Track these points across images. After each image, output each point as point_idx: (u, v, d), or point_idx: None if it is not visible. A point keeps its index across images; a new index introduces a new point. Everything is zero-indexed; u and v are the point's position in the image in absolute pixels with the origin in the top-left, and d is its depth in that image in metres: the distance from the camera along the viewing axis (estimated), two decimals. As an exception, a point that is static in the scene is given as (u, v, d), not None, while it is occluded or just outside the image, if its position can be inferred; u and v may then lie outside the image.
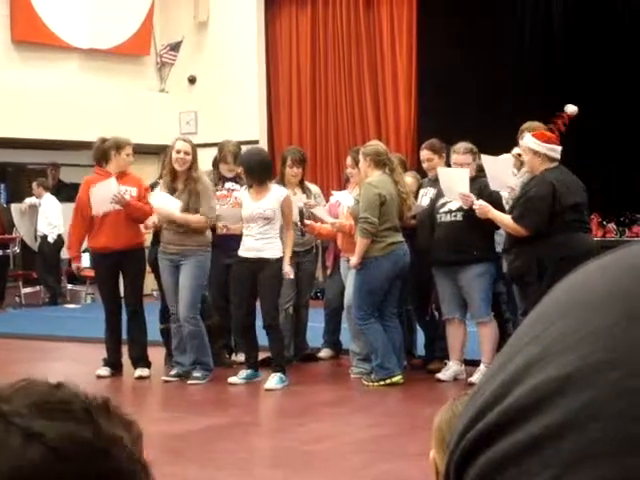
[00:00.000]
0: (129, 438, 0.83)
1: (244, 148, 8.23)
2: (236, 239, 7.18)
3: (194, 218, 7.10)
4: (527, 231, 6.15)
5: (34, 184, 12.86)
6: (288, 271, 6.99)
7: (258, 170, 6.99)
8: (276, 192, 7.03)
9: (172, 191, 7.16)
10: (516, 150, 7.21)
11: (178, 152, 7.13)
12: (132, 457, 0.81)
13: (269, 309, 7.00)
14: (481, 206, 6.51)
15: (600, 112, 12.24)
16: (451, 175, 6.76)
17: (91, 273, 8.51)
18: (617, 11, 12.22)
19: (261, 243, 6.95)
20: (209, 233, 7.32)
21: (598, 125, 12.29)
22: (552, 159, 6.26)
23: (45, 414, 0.78)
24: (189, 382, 7.15)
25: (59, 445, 0.76)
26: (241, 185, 7.58)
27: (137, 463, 0.82)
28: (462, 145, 7.05)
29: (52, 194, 12.81)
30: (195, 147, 7.30)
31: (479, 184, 6.69)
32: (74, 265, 7.78)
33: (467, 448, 0.47)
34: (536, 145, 6.21)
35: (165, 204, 7.11)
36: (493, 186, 6.69)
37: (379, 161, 6.95)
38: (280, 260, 6.96)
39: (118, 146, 7.37)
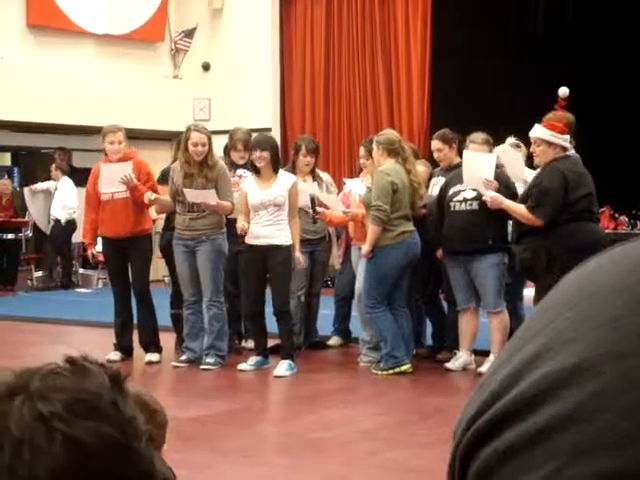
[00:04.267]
0: (144, 421, 0.87)
1: (254, 135, 8.23)
2: None
3: (226, 205, 7.11)
4: (542, 221, 6.12)
5: (52, 167, 12.92)
6: (299, 257, 6.98)
7: (277, 155, 7.02)
8: (285, 178, 7.02)
9: (188, 174, 7.15)
10: (510, 140, 7.20)
11: (195, 145, 7.09)
12: (147, 441, 0.87)
13: (280, 296, 7.00)
14: (493, 197, 6.49)
15: (613, 104, 12.19)
16: (477, 159, 6.71)
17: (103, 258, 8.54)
18: (634, 5, 12.14)
19: (271, 229, 6.95)
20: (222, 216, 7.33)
21: (611, 117, 12.24)
22: (565, 149, 6.24)
23: (81, 414, 0.82)
24: (201, 367, 7.18)
25: (94, 447, 0.81)
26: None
27: (150, 445, 0.87)
28: (480, 135, 7.04)
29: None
30: (210, 135, 7.26)
31: (496, 174, 6.68)
32: (89, 252, 7.82)
33: (474, 438, 0.47)
34: (552, 137, 6.17)
35: (203, 198, 7.08)
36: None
37: (391, 150, 6.94)
38: (290, 247, 6.95)
39: (103, 134, 7.40)
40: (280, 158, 7.10)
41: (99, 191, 7.39)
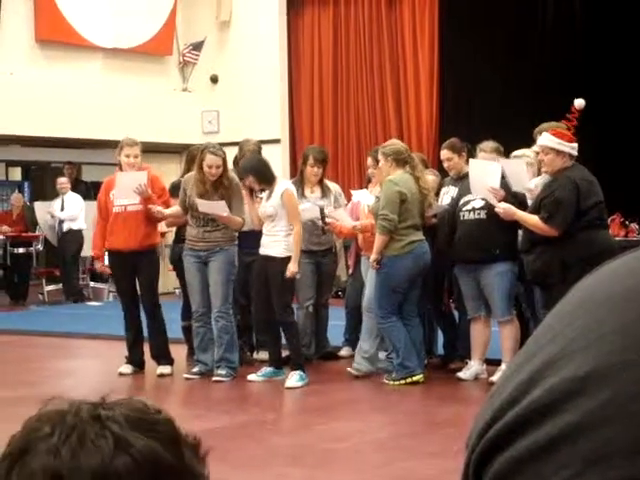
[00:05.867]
0: None
1: (264, 147, 8.26)
2: (256, 237, 7.20)
3: (237, 219, 7.14)
4: (556, 231, 6.11)
5: (58, 180, 12.95)
6: (292, 270, 6.87)
7: (265, 172, 7.02)
8: (278, 188, 7.03)
9: (203, 193, 7.16)
10: (536, 148, 7.19)
11: (210, 167, 7.10)
12: None
13: (278, 306, 6.99)
14: (505, 209, 6.47)
15: (622, 110, 12.17)
16: (483, 168, 6.72)
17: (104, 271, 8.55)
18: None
19: (267, 240, 6.99)
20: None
21: (620, 124, 12.22)
22: (572, 157, 6.24)
23: (137, 428, 0.81)
24: (213, 379, 7.17)
25: (143, 460, 0.80)
26: None
27: None
28: (489, 144, 7.05)
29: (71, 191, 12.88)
30: (225, 156, 7.24)
31: (503, 183, 6.67)
32: (97, 264, 7.83)
33: (486, 447, 0.47)
34: (561, 145, 6.17)
35: (214, 210, 7.10)
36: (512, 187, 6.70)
37: (400, 160, 6.95)
38: (286, 259, 6.93)
39: (120, 147, 7.43)
40: (266, 170, 7.07)
41: (111, 202, 7.42)
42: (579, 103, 6.70)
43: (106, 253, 7.75)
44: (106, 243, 7.52)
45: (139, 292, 7.58)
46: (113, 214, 7.41)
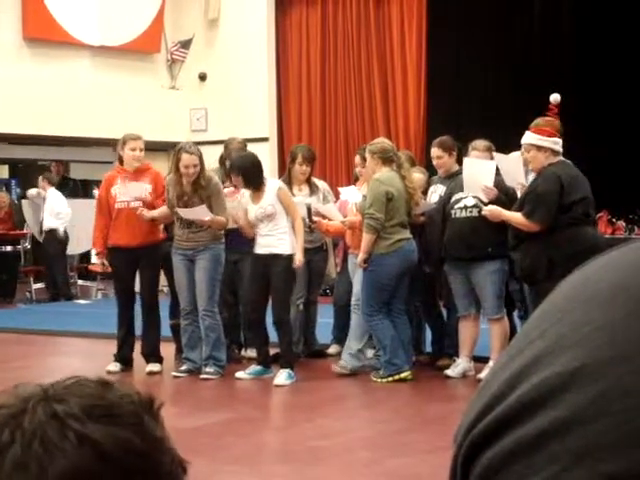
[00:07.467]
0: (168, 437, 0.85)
1: (250, 146, 8.24)
2: (242, 236, 7.20)
3: (221, 220, 7.12)
4: (538, 226, 6.11)
5: (40, 178, 12.86)
6: (299, 260, 6.92)
7: (255, 174, 7.00)
8: (271, 187, 7.02)
9: (181, 194, 7.14)
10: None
11: (186, 167, 7.04)
12: (174, 459, 0.84)
13: (280, 304, 7.00)
14: (491, 210, 6.47)
15: (610, 109, 12.22)
16: (477, 166, 6.73)
17: (99, 269, 8.49)
18: (629, 9, 12.18)
19: (270, 240, 6.96)
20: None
21: (608, 122, 12.26)
22: (556, 153, 6.24)
23: (97, 417, 0.80)
24: (201, 377, 7.17)
25: (108, 450, 0.79)
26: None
27: (178, 465, 0.84)
28: (482, 142, 7.07)
29: (56, 189, 12.78)
30: (201, 154, 7.18)
31: (496, 182, 6.69)
32: (99, 260, 7.75)
33: (474, 442, 0.47)
34: (540, 140, 6.19)
35: (196, 215, 7.10)
36: (506, 182, 6.71)
37: (387, 158, 6.95)
38: (292, 257, 6.95)
39: (123, 141, 7.42)
40: (256, 172, 7.04)
41: (113, 198, 7.40)
42: (555, 98, 6.72)
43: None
44: (108, 240, 7.49)
45: (138, 289, 7.55)
46: (116, 210, 7.40)
